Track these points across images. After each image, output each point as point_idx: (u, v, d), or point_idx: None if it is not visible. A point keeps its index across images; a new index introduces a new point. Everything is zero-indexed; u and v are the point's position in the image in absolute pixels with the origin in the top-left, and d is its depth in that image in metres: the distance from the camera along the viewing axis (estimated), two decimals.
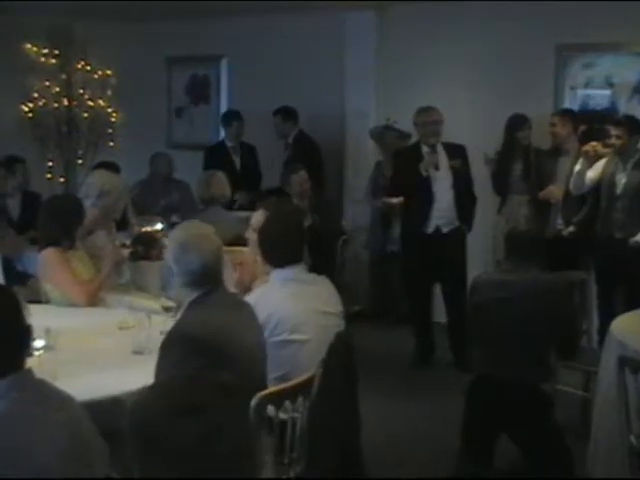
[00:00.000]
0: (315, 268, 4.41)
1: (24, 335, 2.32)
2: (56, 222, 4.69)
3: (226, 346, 2.96)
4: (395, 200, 6.98)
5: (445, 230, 6.53)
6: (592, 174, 6.10)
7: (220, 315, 3.06)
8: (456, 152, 6.57)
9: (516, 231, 4.65)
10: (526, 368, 4.19)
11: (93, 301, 4.57)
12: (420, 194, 6.48)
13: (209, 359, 2.89)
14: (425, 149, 6.55)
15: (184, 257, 3.12)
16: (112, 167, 7.11)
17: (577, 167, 6.20)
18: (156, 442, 2.67)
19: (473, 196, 6.71)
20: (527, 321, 4.18)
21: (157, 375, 2.95)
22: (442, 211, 6.50)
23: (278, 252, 3.83)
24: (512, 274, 4.34)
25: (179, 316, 3.20)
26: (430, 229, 6.51)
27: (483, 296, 4.27)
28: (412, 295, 6.86)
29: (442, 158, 6.52)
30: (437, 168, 6.46)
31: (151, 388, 2.90)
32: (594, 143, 6.11)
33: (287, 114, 8.04)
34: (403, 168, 6.66)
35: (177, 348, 2.92)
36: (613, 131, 5.99)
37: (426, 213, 6.47)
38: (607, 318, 5.03)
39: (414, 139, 7.01)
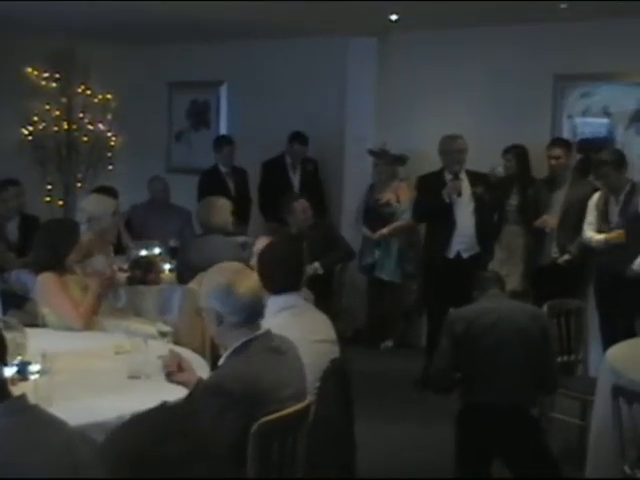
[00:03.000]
0: (314, 292, 4.44)
1: (3, 357, 2.32)
2: (47, 247, 4.70)
3: (264, 397, 2.96)
4: (374, 235, 7.62)
5: (465, 256, 6.62)
6: (591, 232, 6.16)
7: (259, 365, 3.04)
8: (479, 180, 6.67)
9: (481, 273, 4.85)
10: (513, 392, 4.19)
11: (89, 325, 4.56)
12: (442, 220, 6.59)
13: (246, 411, 2.89)
14: (448, 176, 6.62)
15: (231, 296, 3.07)
16: (109, 191, 7.11)
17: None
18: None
19: (495, 226, 6.81)
20: (512, 345, 4.21)
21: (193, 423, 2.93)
22: (463, 237, 6.61)
23: (274, 279, 3.79)
24: (491, 303, 4.41)
25: (221, 362, 3.15)
26: (451, 254, 6.61)
27: (466, 325, 4.26)
28: (431, 318, 6.81)
29: (465, 185, 6.61)
30: (459, 195, 6.54)
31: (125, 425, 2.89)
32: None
33: (305, 139, 8.19)
34: (426, 194, 6.74)
35: (215, 400, 2.91)
36: (600, 169, 6.08)
37: (447, 238, 6.59)
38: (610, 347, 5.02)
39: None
